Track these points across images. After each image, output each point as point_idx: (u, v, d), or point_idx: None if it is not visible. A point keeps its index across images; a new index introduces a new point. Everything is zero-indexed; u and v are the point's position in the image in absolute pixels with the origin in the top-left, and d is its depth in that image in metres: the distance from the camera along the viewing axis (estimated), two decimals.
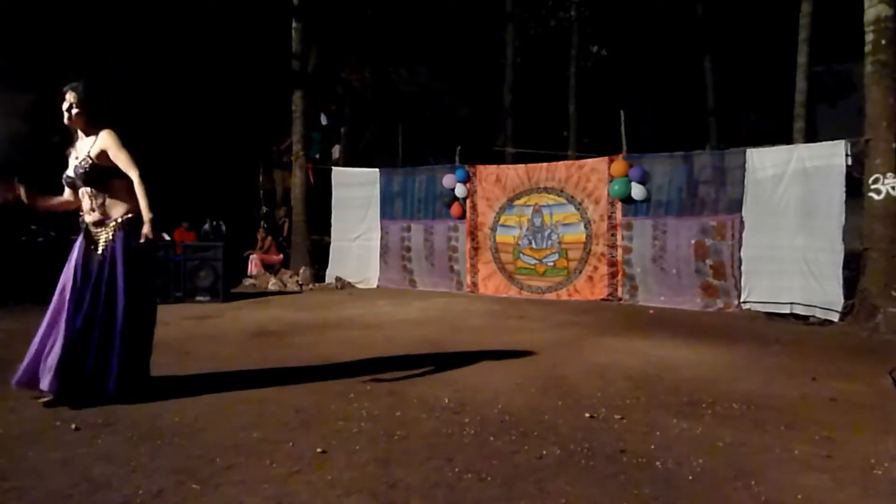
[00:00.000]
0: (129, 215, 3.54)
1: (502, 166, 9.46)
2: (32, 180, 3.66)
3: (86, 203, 3.56)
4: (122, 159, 3.47)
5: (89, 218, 3.55)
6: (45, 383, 3.32)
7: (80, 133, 3.63)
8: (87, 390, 3.37)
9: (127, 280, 3.46)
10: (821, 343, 5.51)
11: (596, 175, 8.28)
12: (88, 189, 3.53)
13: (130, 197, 3.53)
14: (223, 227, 11.46)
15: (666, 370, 4.40)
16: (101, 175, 3.52)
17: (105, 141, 3.51)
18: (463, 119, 16.93)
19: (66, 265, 3.54)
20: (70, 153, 3.66)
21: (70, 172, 3.61)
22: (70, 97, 3.53)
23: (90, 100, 3.57)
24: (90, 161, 3.51)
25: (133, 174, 3.45)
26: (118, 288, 3.44)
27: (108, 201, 3.54)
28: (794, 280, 6.85)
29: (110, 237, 3.52)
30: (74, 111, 3.56)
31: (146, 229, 3.41)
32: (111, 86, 3.59)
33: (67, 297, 3.42)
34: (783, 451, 2.84)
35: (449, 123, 16.26)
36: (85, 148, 3.56)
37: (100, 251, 3.51)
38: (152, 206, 3.45)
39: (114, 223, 3.53)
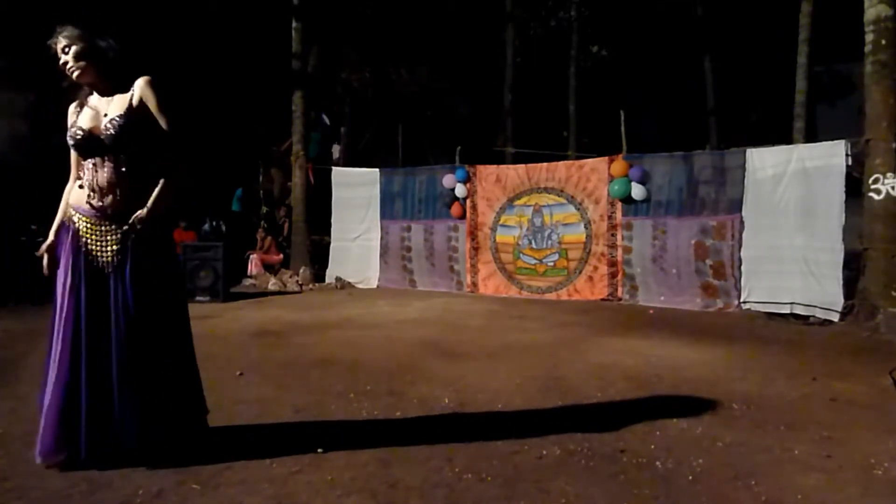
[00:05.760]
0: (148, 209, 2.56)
1: (502, 166, 9.46)
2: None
3: (103, 177, 2.53)
4: (162, 123, 2.59)
5: (94, 201, 2.53)
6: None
7: (95, 94, 2.66)
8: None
9: (140, 299, 2.53)
10: (821, 343, 5.51)
11: (596, 175, 8.28)
12: (114, 156, 2.53)
13: (154, 186, 2.60)
14: (223, 227, 11.47)
15: (666, 370, 4.40)
16: (142, 138, 2.56)
17: (144, 91, 2.58)
18: (463, 119, 16.93)
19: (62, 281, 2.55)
20: (79, 111, 2.66)
21: (83, 125, 2.58)
22: (64, 40, 2.53)
23: (93, 39, 2.58)
24: (132, 112, 2.55)
25: (173, 146, 2.61)
26: (124, 313, 2.51)
27: (136, 181, 2.56)
28: (794, 280, 6.85)
29: (122, 241, 2.53)
30: (79, 58, 2.53)
31: (137, 219, 2.51)
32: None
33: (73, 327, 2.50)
34: (783, 451, 2.84)
35: (449, 123, 16.26)
36: (118, 102, 2.59)
37: (101, 258, 2.53)
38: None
39: (130, 218, 2.52)
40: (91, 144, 2.56)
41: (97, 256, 2.53)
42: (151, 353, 2.53)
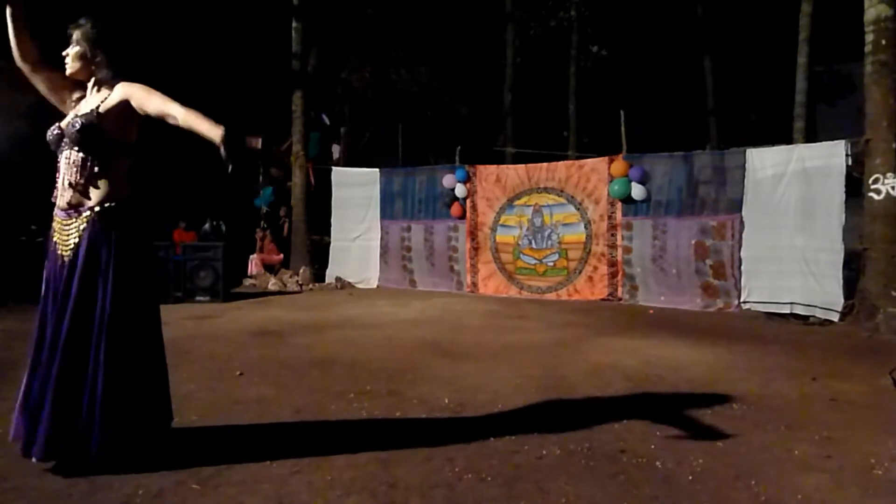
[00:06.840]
0: (111, 203, 2.55)
1: (502, 166, 9.46)
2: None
3: (63, 174, 2.58)
4: (154, 101, 2.55)
5: (61, 200, 2.58)
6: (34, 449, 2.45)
7: (88, 91, 2.72)
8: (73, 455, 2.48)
9: (83, 294, 2.47)
10: (821, 343, 5.51)
11: (596, 175, 8.28)
12: (75, 154, 2.55)
13: (124, 184, 2.63)
14: (223, 227, 11.46)
15: (666, 370, 4.40)
16: (103, 140, 2.57)
17: (125, 90, 2.60)
18: (463, 119, 16.93)
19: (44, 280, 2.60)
20: (71, 108, 2.74)
21: (62, 123, 2.64)
22: (74, 34, 2.64)
23: (101, 41, 2.64)
24: (95, 114, 2.56)
25: (175, 107, 2.51)
26: (68, 307, 2.46)
27: (99, 179, 2.56)
28: (794, 280, 6.85)
29: (80, 235, 2.52)
30: (76, 59, 2.65)
31: (221, 139, 2.41)
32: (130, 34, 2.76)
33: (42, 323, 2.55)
34: (783, 451, 2.84)
35: (449, 123, 16.27)
36: (93, 102, 2.65)
37: (63, 254, 2.53)
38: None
39: (88, 213, 2.53)
40: (60, 141, 2.61)
41: (61, 254, 2.55)
42: (108, 355, 2.46)
